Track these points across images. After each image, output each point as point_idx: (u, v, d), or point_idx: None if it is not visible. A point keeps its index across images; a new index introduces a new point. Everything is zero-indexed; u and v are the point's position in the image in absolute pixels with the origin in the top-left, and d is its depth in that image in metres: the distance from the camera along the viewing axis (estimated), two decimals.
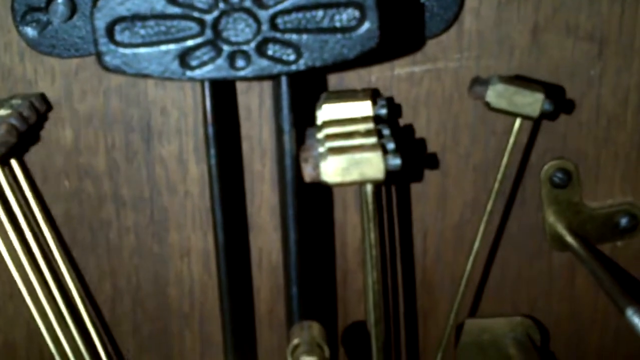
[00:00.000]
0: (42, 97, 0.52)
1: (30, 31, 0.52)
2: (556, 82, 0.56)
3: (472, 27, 0.54)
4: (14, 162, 0.52)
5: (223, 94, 0.45)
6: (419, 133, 0.57)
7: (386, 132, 0.47)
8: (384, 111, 0.50)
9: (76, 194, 0.57)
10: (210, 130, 0.46)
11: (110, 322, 0.59)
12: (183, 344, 0.60)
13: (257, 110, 0.54)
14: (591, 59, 0.55)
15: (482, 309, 0.60)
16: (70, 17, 0.51)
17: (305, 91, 0.49)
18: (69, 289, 0.55)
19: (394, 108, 0.54)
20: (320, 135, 0.46)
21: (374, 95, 0.52)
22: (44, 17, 0.51)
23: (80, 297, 0.55)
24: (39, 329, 0.53)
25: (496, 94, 0.49)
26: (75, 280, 0.56)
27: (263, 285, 0.59)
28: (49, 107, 0.53)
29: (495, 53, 0.55)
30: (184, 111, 0.55)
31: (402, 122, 0.56)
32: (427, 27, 0.52)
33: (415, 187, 0.57)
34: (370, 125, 0.47)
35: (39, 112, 0.50)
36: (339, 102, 0.50)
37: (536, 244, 0.59)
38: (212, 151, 0.46)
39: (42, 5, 0.51)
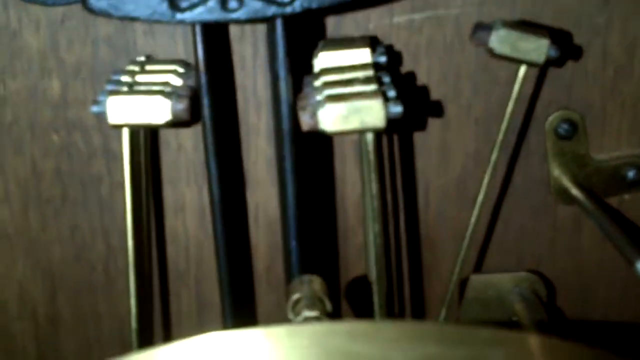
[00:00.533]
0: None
1: None
2: (560, 29, 0.54)
3: None
4: None
5: (216, 40, 0.43)
6: (420, 83, 0.55)
7: (386, 79, 0.45)
8: (383, 58, 0.48)
9: (65, 149, 0.55)
10: (203, 78, 0.44)
11: (105, 280, 0.58)
12: (180, 303, 0.59)
13: (251, 59, 0.52)
14: (598, 6, 0.53)
15: (486, 264, 0.59)
16: None
17: (302, 38, 0.47)
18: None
19: (394, 56, 0.52)
20: (317, 83, 0.44)
21: (372, 42, 0.50)
22: None
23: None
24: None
25: (499, 39, 0.47)
26: None
27: (260, 242, 0.58)
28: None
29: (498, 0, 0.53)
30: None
31: (402, 71, 0.54)
32: None
33: (416, 140, 0.56)
34: (369, 73, 0.45)
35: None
36: (336, 49, 0.48)
37: (541, 198, 0.58)
38: (206, 101, 0.45)
39: None
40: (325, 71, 0.45)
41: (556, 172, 0.57)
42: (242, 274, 0.56)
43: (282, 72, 0.42)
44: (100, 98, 0.45)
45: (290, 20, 0.40)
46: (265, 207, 0.57)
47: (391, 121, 0.42)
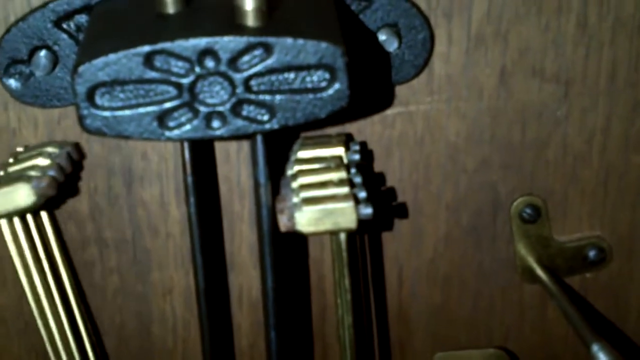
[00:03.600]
0: (77, 147, 0.53)
1: (13, 83, 0.53)
2: (523, 122, 0.58)
3: (441, 72, 0.56)
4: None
5: (201, 145, 0.47)
6: (392, 173, 0.58)
7: (358, 180, 0.49)
8: (357, 157, 0.52)
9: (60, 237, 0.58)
10: (190, 180, 0.48)
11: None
12: None
13: (235, 154, 0.56)
14: (557, 100, 0.57)
15: (457, 340, 0.62)
16: (53, 69, 0.53)
17: (280, 141, 0.51)
18: (81, 332, 0.56)
19: (367, 153, 0.56)
20: (294, 184, 0.48)
21: (347, 140, 0.54)
22: (26, 69, 0.53)
23: (90, 340, 0.56)
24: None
25: (307, 221, 0.46)
26: (88, 323, 0.57)
27: (244, 321, 0.61)
28: (82, 156, 0.54)
29: (465, 96, 0.57)
30: (164, 156, 0.57)
31: (375, 162, 0.58)
32: (398, 73, 0.54)
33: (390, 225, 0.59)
34: (343, 174, 0.48)
35: (74, 162, 0.51)
36: (312, 148, 0.52)
37: (508, 277, 0.61)
38: (192, 199, 0.48)
39: (25, 57, 0.53)
40: (302, 172, 0.49)
41: (522, 252, 0.60)
42: (225, 352, 0.59)
43: (262, 179, 0.46)
44: None
45: (269, 133, 0.44)
46: (248, 288, 0.60)
47: (362, 221, 0.46)
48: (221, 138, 0.45)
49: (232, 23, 0.43)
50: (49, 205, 0.54)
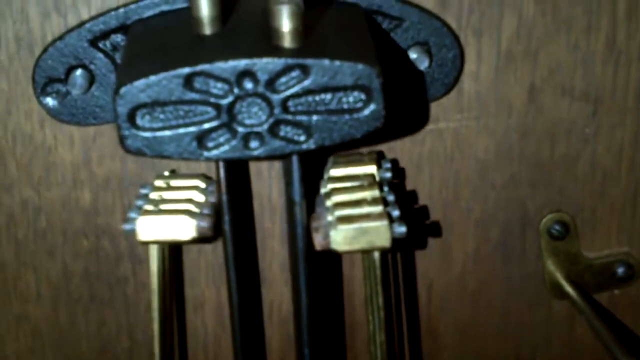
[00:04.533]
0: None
1: (50, 101, 0.54)
2: (552, 138, 0.58)
3: (471, 89, 0.57)
4: None
5: (236, 164, 0.48)
6: (422, 189, 0.59)
7: (391, 198, 0.49)
8: (389, 175, 0.52)
9: (94, 252, 0.59)
10: (224, 198, 0.48)
11: None
12: None
13: (267, 171, 0.57)
14: (586, 118, 0.58)
15: (485, 355, 0.63)
16: (89, 88, 0.54)
17: (313, 159, 0.52)
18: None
19: (398, 170, 0.56)
20: (328, 202, 0.49)
21: (378, 157, 0.54)
22: (63, 88, 0.54)
23: None
24: None
25: (343, 240, 0.47)
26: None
27: (274, 336, 0.61)
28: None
29: (494, 113, 0.57)
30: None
31: (406, 179, 0.58)
32: (428, 90, 0.55)
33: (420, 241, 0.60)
34: (376, 193, 0.49)
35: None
36: (344, 166, 0.53)
37: (536, 293, 0.61)
38: (226, 217, 0.49)
39: (62, 76, 0.54)
40: (336, 190, 0.50)
41: (550, 269, 0.61)
42: None
43: (297, 197, 0.46)
44: (131, 215, 0.50)
45: (305, 153, 0.45)
46: (279, 304, 0.61)
47: (395, 239, 0.47)
48: (258, 158, 0.45)
49: (269, 44, 0.44)
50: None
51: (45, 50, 0.54)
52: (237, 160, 0.46)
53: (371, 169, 0.53)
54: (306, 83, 0.43)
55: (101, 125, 0.56)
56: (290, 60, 0.42)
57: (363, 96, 0.43)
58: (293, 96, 0.43)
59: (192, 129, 0.43)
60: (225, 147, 0.44)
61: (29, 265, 0.59)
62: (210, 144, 0.44)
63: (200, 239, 0.50)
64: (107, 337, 0.61)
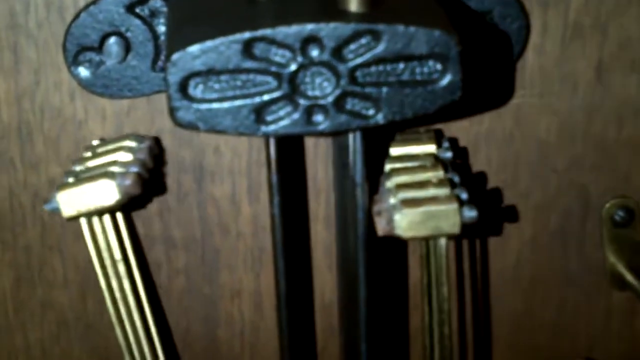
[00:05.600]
0: (157, 142, 0.50)
1: (83, 71, 0.50)
2: (619, 119, 0.54)
3: (534, 64, 0.53)
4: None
5: (288, 141, 0.44)
6: (478, 170, 0.55)
7: (456, 179, 0.45)
8: (449, 154, 0.48)
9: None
10: (275, 178, 0.44)
11: None
12: None
13: (312, 150, 0.53)
14: None
15: (540, 347, 0.59)
16: (125, 57, 0.50)
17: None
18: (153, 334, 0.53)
19: (459, 150, 0.52)
20: (389, 184, 0.45)
21: (437, 136, 0.50)
22: (97, 57, 0.50)
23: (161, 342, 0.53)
24: None
25: (408, 225, 0.43)
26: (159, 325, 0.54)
27: (317, 325, 0.58)
28: (162, 151, 0.51)
29: (558, 90, 0.53)
30: (237, 151, 0.54)
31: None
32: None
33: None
34: (440, 173, 0.45)
35: (156, 157, 0.48)
36: (402, 145, 0.49)
37: (595, 283, 0.58)
38: (276, 200, 0.45)
39: (95, 45, 0.50)
40: (396, 171, 0.46)
41: (611, 258, 0.57)
42: (304, 357, 0.56)
43: (359, 178, 0.42)
44: (52, 193, 0.46)
45: (369, 129, 0.40)
46: (321, 291, 0.57)
47: (466, 225, 0.43)
48: (321, 134, 0.41)
49: (334, 9, 0.40)
50: (130, 205, 0.50)
51: (77, 15, 0.49)
52: (290, 136, 0.42)
53: (430, 148, 0.49)
54: (377, 51, 0.39)
55: (136, 98, 0.52)
56: (360, 26, 0.38)
57: (439, 66, 0.39)
58: (362, 65, 0.39)
59: (250, 100, 0.39)
60: (286, 122, 0.40)
61: (55, 249, 0.55)
62: (270, 118, 0.39)
63: (136, 201, 0.46)
64: None
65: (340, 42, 0.39)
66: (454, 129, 0.54)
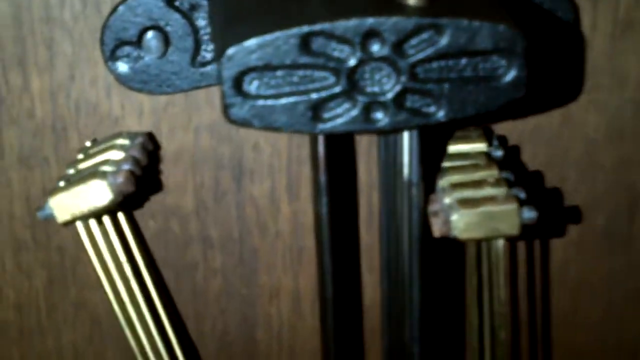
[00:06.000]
0: (151, 137, 0.48)
1: (120, 66, 0.48)
2: None
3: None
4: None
5: (337, 139, 0.42)
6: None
7: (511, 178, 0.44)
8: (500, 152, 0.47)
9: (162, 235, 0.53)
10: (323, 179, 0.43)
11: None
12: None
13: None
14: None
15: (585, 347, 0.57)
16: (165, 52, 0.48)
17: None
18: (169, 335, 0.51)
19: (510, 148, 0.51)
20: (443, 183, 0.43)
21: (486, 133, 0.49)
22: (135, 52, 0.48)
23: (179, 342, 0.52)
24: None
25: (465, 226, 0.42)
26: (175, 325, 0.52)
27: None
28: (157, 147, 0.49)
29: (607, 86, 0.52)
30: (276, 148, 0.52)
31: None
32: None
33: None
34: (495, 172, 0.44)
35: (150, 154, 0.46)
36: (453, 143, 0.47)
37: None
38: (324, 199, 0.43)
39: (134, 39, 0.48)
40: (448, 170, 0.44)
41: None
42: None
43: (415, 177, 0.41)
44: (44, 201, 0.45)
45: (427, 127, 0.39)
46: (372, 293, 0.55)
47: (525, 226, 0.41)
48: (380, 132, 0.40)
49: (392, 2, 0.38)
50: (128, 204, 0.49)
51: (115, 9, 0.48)
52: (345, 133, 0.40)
53: (481, 146, 0.47)
54: (439, 46, 0.37)
55: (174, 94, 0.50)
56: (422, 20, 0.37)
57: (503, 62, 0.38)
58: (423, 61, 0.37)
59: (306, 97, 0.38)
60: (344, 119, 0.38)
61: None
62: (327, 115, 0.38)
63: (133, 199, 0.45)
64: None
65: (402, 36, 0.37)
66: (499, 126, 0.52)
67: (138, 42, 0.48)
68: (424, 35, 0.37)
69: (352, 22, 0.37)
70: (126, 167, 0.45)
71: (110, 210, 0.46)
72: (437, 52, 0.37)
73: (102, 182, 0.45)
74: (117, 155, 0.47)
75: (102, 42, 0.48)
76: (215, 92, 0.51)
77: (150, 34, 0.48)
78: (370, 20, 0.37)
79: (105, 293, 0.48)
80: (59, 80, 0.50)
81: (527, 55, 0.38)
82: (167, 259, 0.54)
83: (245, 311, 0.56)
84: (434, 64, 0.38)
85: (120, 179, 0.44)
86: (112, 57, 0.49)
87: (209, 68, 0.49)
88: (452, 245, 0.44)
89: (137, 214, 0.53)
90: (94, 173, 0.46)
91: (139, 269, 0.50)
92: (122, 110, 0.51)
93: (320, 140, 0.43)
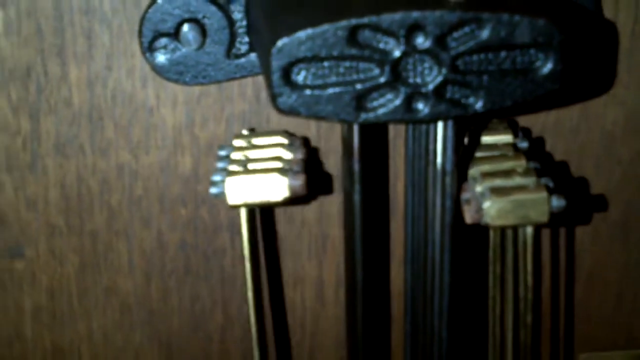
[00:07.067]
0: (306, 141, 0.51)
1: (158, 58, 0.50)
2: None
3: None
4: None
5: (372, 128, 0.44)
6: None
7: (540, 169, 0.45)
8: (525, 144, 0.49)
9: (192, 222, 0.55)
10: (356, 167, 0.44)
11: (220, 350, 0.58)
12: None
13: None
14: None
15: (596, 340, 0.59)
16: (202, 44, 0.50)
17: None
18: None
19: (535, 140, 0.52)
20: (474, 172, 0.45)
21: (510, 125, 0.50)
22: (172, 44, 0.50)
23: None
24: None
25: (497, 213, 0.43)
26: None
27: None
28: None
29: (626, 81, 0.54)
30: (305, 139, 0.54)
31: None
32: None
33: None
34: (523, 163, 0.45)
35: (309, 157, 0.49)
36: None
37: None
38: (357, 187, 0.45)
39: (172, 31, 0.49)
40: (478, 160, 0.46)
41: None
42: (379, 353, 0.56)
43: (449, 166, 0.43)
44: (217, 178, 0.46)
45: (462, 117, 0.41)
46: (395, 281, 0.57)
47: (554, 214, 0.43)
48: (420, 121, 0.41)
49: None
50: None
51: (154, 1, 0.49)
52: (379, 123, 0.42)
53: (507, 137, 0.49)
54: (480, 39, 0.39)
55: (208, 85, 0.52)
56: (465, 14, 0.38)
57: (541, 55, 0.39)
58: (464, 54, 0.39)
59: (351, 87, 0.39)
60: (386, 109, 0.40)
61: (122, 235, 0.55)
62: (370, 105, 0.39)
63: (291, 200, 0.46)
64: (200, 313, 0.57)
65: (445, 30, 0.39)
66: (520, 119, 0.54)
67: (175, 34, 0.50)
68: (466, 29, 0.39)
69: (398, 16, 0.38)
70: (299, 169, 0.47)
71: (271, 205, 0.48)
72: (478, 45, 0.39)
73: (283, 179, 0.46)
74: (286, 154, 0.48)
75: (140, 34, 0.50)
76: (248, 83, 0.52)
77: (187, 26, 0.50)
78: (415, 14, 0.38)
79: (244, 285, 0.49)
80: (96, 71, 0.51)
81: (563, 49, 0.39)
82: (197, 245, 0.56)
83: (271, 297, 0.57)
84: (474, 57, 0.39)
85: (299, 181, 0.46)
86: (150, 48, 0.50)
87: (243, 60, 0.50)
88: (476, 234, 0.46)
89: (169, 201, 0.55)
90: (273, 168, 0.47)
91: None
92: (157, 100, 0.52)
93: (355, 129, 0.45)
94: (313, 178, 0.51)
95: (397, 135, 0.53)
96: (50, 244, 0.55)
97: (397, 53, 0.39)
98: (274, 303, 0.57)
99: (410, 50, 0.39)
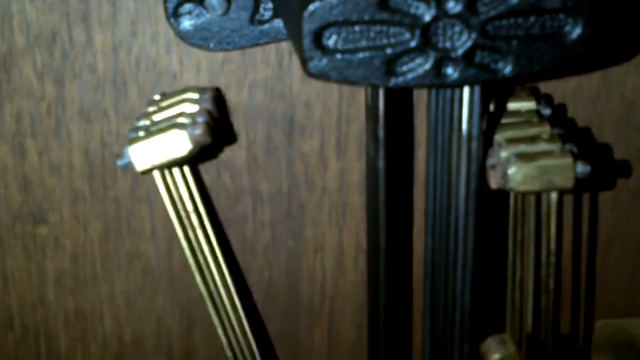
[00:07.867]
0: (219, 92, 0.50)
1: (183, 23, 0.50)
2: None
3: None
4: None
5: (397, 93, 0.44)
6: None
7: (564, 135, 0.46)
8: (548, 110, 0.49)
9: (214, 188, 0.55)
10: (382, 133, 0.45)
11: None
12: (311, 341, 0.59)
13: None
14: None
15: (613, 306, 0.60)
16: (228, 9, 0.50)
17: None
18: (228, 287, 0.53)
19: (557, 107, 0.53)
20: (499, 138, 0.45)
21: (532, 92, 0.51)
22: (197, 9, 0.50)
23: (236, 296, 0.53)
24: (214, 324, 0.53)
25: (522, 178, 0.44)
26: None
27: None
28: (224, 101, 0.51)
29: None
30: (327, 106, 0.54)
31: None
32: None
33: None
34: (548, 129, 0.46)
35: (220, 107, 0.48)
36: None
37: None
38: (381, 153, 0.45)
39: None
40: (503, 126, 0.46)
41: None
42: (400, 319, 0.56)
43: (475, 131, 0.43)
44: (124, 149, 0.47)
45: (489, 82, 0.41)
46: (417, 252, 0.57)
47: (578, 180, 0.43)
48: (449, 86, 0.42)
49: None
50: (201, 155, 0.51)
51: None
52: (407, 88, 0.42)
53: (530, 104, 0.49)
54: (510, 4, 0.39)
55: (231, 51, 0.52)
56: None
57: (570, 20, 0.40)
58: (494, 18, 0.39)
59: (382, 52, 0.39)
60: (416, 73, 0.40)
61: (145, 201, 0.55)
62: (400, 69, 0.40)
63: (206, 151, 0.47)
64: None
65: None
66: (539, 86, 0.54)
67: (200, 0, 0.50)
68: None
69: None
70: (202, 119, 0.47)
71: (183, 161, 0.48)
72: (508, 10, 0.39)
73: (182, 133, 0.47)
74: (191, 108, 0.48)
75: (165, 0, 0.50)
76: (271, 50, 0.52)
77: None
78: None
79: (179, 241, 0.50)
80: (120, 36, 0.52)
81: (592, 14, 0.40)
82: (219, 211, 0.56)
83: (291, 264, 0.58)
84: (504, 22, 0.40)
85: (198, 130, 0.46)
86: (174, 14, 0.50)
87: (267, 26, 0.51)
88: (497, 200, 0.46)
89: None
90: (172, 124, 0.48)
91: (202, 219, 0.51)
92: (181, 66, 0.53)
93: (381, 94, 0.45)
94: (221, 128, 0.51)
95: (418, 101, 0.53)
96: (74, 209, 0.55)
97: (427, 17, 0.39)
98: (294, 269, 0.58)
99: (441, 14, 0.39)
